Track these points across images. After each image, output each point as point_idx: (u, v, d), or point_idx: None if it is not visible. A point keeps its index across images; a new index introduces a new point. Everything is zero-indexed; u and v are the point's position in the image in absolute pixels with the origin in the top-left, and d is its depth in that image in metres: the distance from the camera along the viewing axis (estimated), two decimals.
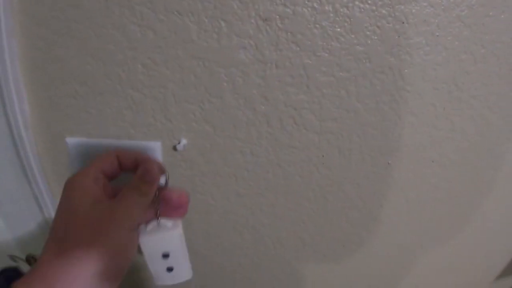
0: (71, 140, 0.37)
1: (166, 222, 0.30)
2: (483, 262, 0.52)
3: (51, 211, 0.49)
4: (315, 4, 0.28)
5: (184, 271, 0.33)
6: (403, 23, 0.31)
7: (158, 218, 0.30)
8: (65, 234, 0.23)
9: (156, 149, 0.34)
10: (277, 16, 0.29)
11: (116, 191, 0.26)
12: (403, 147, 0.35)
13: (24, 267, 0.63)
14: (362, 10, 0.29)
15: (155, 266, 0.32)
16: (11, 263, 0.68)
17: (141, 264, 0.45)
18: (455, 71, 0.34)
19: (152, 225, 0.30)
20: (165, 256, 0.31)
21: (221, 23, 0.29)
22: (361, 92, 0.32)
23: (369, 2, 0.29)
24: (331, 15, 0.29)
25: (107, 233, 0.23)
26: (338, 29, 0.30)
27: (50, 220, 0.48)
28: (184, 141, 0.32)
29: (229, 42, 0.29)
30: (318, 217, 0.38)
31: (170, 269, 0.33)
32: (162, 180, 0.28)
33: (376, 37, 0.30)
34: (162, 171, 0.27)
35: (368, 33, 0.30)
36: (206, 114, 0.32)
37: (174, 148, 0.33)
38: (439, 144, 0.36)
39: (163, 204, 0.27)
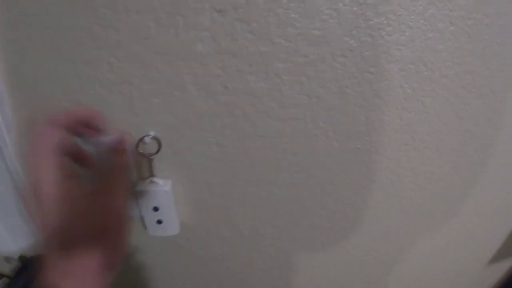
0: None
1: (157, 180, 0.36)
2: (474, 247, 0.51)
3: None
4: None
5: (172, 226, 0.39)
6: (361, 4, 0.30)
7: (150, 176, 0.35)
8: (64, 230, 0.23)
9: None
10: (231, 7, 0.29)
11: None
12: (372, 130, 0.35)
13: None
14: None
15: (147, 218, 0.38)
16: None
17: (140, 264, 0.48)
18: (422, 51, 0.33)
19: (146, 182, 0.35)
20: (156, 209, 0.36)
21: (177, 18, 0.30)
22: (321, 77, 0.32)
23: None
24: (284, 1, 0.29)
25: (107, 223, 0.24)
26: (293, 15, 0.30)
27: None
28: (150, 134, 0.34)
29: (186, 36, 0.30)
30: (291, 205, 0.38)
31: (159, 222, 0.38)
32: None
33: (333, 21, 0.30)
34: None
35: (324, 16, 0.30)
36: (170, 107, 0.33)
37: (143, 142, 0.34)
38: (410, 126, 0.35)
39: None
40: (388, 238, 0.46)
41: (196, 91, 0.32)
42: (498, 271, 0.68)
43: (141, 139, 0.33)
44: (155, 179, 0.35)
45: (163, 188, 0.35)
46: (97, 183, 0.25)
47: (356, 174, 0.37)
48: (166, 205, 0.36)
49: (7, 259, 0.68)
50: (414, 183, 0.40)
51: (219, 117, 0.33)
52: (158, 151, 0.33)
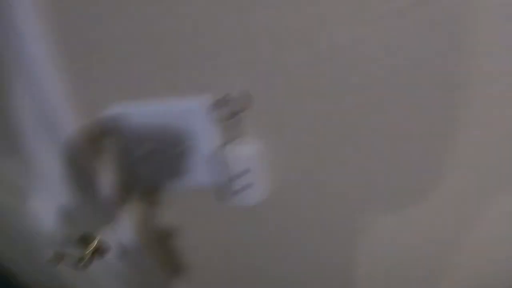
0: (115, 107, 0.34)
1: (246, 140, 0.32)
2: None
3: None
4: None
5: (257, 193, 0.35)
6: None
7: (238, 137, 0.32)
8: None
9: (205, 105, 0.31)
10: None
11: None
12: None
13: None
14: None
15: (230, 184, 0.34)
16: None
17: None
18: None
19: (232, 144, 0.32)
20: (242, 174, 0.33)
21: None
22: None
23: None
24: None
25: None
26: None
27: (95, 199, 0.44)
28: (239, 91, 0.30)
29: None
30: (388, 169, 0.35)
31: (245, 188, 0.34)
32: None
33: None
34: None
35: None
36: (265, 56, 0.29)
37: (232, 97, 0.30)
38: None
39: None
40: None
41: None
42: None
43: (230, 95, 0.30)
44: (243, 140, 0.32)
45: (252, 150, 0.32)
46: None
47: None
48: (255, 169, 0.33)
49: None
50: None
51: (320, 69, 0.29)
52: (248, 108, 0.30)
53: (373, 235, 0.43)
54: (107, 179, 0.43)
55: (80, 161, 0.41)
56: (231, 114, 0.31)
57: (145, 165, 0.37)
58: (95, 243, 0.59)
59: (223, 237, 0.45)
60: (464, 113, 0.32)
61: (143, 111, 0.33)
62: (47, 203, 0.52)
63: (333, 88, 0.30)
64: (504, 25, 0.27)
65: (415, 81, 0.30)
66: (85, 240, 0.60)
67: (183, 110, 0.32)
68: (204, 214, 0.43)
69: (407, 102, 0.31)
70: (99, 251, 0.60)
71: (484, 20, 0.27)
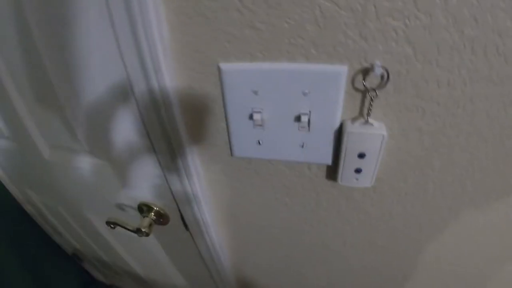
0: (227, 67, 0.32)
1: (373, 121, 0.30)
2: None
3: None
4: None
5: (368, 177, 0.34)
6: None
7: (366, 116, 0.29)
8: None
9: (341, 76, 0.29)
10: None
11: None
12: None
13: (134, 215, 0.57)
14: None
15: (347, 164, 0.33)
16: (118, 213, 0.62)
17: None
18: None
19: (359, 122, 0.30)
20: (361, 156, 0.31)
21: None
22: None
23: None
24: None
25: None
26: None
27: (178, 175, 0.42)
28: (378, 64, 0.28)
29: None
30: (488, 163, 0.35)
31: (358, 171, 0.33)
32: None
33: None
34: None
35: None
36: (410, 33, 0.28)
37: (364, 74, 0.28)
38: None
39: None
40: None
41: (444, 18, 0.28)
42: None
43: (367, 69, 0.28)
44: (370, 120, 0.29)
45: (378, 132, 0.30)
46: None
47: None
48: (374, 152, 0.31)
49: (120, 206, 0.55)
50: None
51: (460, 53, 0.29)
52: (383, 85, 0.28)
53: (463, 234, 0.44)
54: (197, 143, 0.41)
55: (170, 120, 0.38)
56: (369, 89, 0.29)
57: (257, 129, 0.35)
58: (156, 211, 0.56)
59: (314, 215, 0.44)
60: None
61: (270, 71, 0.31)
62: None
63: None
64: None
65: None
66: (146, 207, 0.57)
67: (313, 76, 0.30)
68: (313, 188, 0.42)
69: None
70: (160, 219, 0.57)
71: None
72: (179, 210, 0.54)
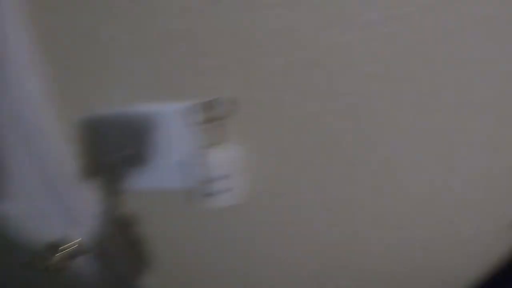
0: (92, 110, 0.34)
1: (229, 145, 0.33)
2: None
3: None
4: None
5: (237, 195, 0.36)
6: None
7: (221, 141, 0.32)
8: None
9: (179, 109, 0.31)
10: None
11: None
12: None
13: None
14: None
15: (213, 186, 0.35)
16: None
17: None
18: None
19: (216, 147, 0.33)
20: (224, 177, 0.34)
21: None
22: None
23: None
24: None
25: None
26: None
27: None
28: (226, 95, 0.30)
29: None
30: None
31: (225, 190, 0.35)
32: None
33: None
34: None
35: None
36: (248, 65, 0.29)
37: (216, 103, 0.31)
38: None
39: None
40: None
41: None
42: None
43: (214, 100, 0.30)
44: (226, 144, 0.33)
45: (235, 155, 0.33)
46: None
47: None
48: (235, 173, 0.34)
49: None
50: None
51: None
52: (232, 114, 0.31)
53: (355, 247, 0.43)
54: (80, 181, 0.43)
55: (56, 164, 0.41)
56: (212, 118, 0.31)
57: (118, 167, 0.38)
58: (67, 247, 0.56)
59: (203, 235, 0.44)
60: None
61: (118, 114, 0.34)
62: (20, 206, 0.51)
63: (317, 93, 0.31)
64: None
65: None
66: (55, 244, 0.57)
67: (156, 114, 0.33)
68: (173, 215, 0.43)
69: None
70: (70, 255, 0.57)
71: None
72: None
